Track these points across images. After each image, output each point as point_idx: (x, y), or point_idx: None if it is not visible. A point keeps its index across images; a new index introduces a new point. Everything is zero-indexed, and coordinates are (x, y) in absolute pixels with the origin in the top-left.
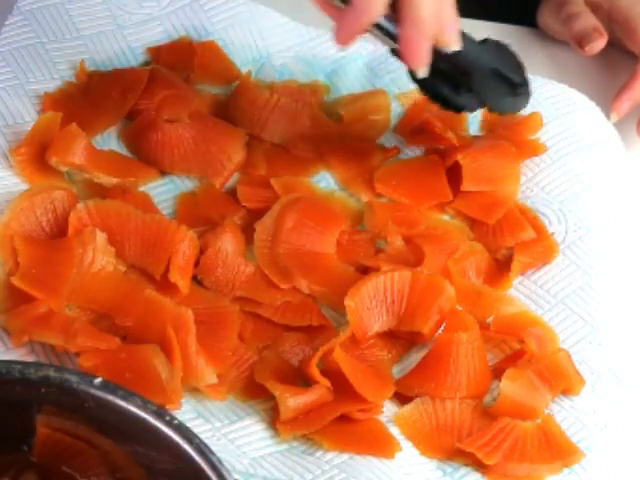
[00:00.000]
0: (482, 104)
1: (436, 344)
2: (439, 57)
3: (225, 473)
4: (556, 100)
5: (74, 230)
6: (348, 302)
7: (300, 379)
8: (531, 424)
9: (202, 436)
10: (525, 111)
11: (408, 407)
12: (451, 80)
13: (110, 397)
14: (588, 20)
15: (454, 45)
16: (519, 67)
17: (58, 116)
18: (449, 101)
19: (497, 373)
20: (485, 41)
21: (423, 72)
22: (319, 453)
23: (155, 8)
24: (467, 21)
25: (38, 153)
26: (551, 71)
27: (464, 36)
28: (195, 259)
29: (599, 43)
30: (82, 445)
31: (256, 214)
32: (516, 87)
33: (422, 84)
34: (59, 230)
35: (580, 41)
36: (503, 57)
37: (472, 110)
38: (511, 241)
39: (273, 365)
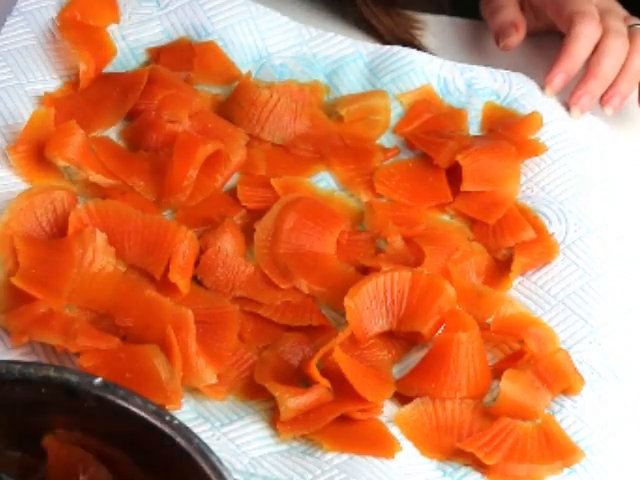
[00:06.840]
0: None
1: (436, 344)
2: None
3: (225, 473)
4: (556, 100)
5: (74, 230)
6: (348, 302)
7: (300, 379)
8: (531, 424)
9: (202, 436)
10: (525, 111)
11: (408, 407)
12: None
13: (110, 397)
14: (508, 13)
15: None
16: None
17: (51, 112)
18: None
19: (497, 373)
20: None
21: None
22: (319, 453)
23: (155, 8)
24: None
25: (36, 150)
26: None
27: None
28: (195, 259)
29: (514, 38)
30: (82, 449)
31: (256, 214)
32: None
33: None
34: (59, 230)
35: (497, 37)
36: None
37: None
38: (511, 241)
39: (273, 365)
